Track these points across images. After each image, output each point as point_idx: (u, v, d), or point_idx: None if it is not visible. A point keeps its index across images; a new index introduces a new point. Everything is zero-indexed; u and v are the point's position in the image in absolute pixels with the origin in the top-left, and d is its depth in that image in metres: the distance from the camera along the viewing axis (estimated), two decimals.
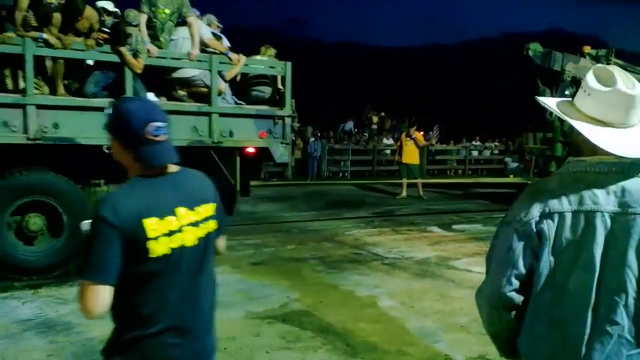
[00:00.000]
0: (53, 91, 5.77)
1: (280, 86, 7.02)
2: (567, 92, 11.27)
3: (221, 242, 2.07)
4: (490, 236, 1.75)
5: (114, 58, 5.82)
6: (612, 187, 1.50)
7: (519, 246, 1.54)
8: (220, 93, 6.51)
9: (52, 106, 5.59)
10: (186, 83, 6.48)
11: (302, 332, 4.41)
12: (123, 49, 5.77)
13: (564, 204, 1.51)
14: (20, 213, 5.62)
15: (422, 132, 24.44)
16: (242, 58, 6.64)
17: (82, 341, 4.11)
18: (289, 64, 6.88)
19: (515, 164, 21.74)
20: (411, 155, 13.23)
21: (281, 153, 6.85)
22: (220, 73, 6.55)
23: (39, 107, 5.50)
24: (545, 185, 1.58)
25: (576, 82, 11.20)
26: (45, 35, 5.48)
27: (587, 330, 1.48)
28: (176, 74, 6.46)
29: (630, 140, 1.50)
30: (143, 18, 6.18)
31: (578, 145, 1.60)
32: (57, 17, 5.59)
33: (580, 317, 1.48)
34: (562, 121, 11.30)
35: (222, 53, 6.55)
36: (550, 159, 11.77)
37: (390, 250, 7.54)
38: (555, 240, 1.50)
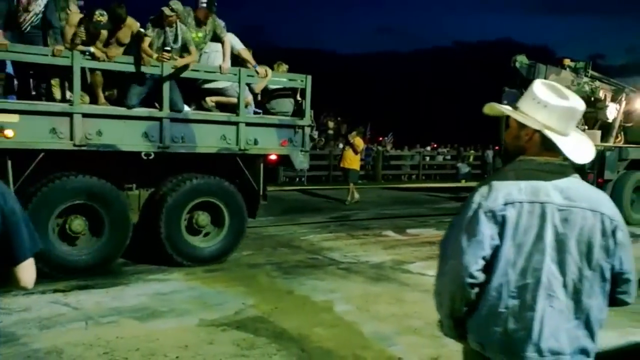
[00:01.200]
0: (93, 100, 6.13)
1: (299, 98, 7.40)
2: None
3: (23, 272, 1.61)
4: None
5: (155, 70, 6.21)
6: (558, 184, 1.74)
7: (486, 230, 1.71)
8: (247, 104, 6.91)
9: (96, 115, 5.97)
10: (217, 93, 6.90)
11: (256, 339, 4.36)
12: (179, 61, 6.28)
13: (523, 195, 1.72)
14: (64, 215, 5.98)
15: (381, 138, 24.80)
16: (269, 72, 7.04)
17: (27, 352, 3.94)
18: (309, 77, 7.22)
19: (466, 169, 22.28)
20: (348, 160, 13.40)
21: (301, 160, 7.29)
22: (249, 85, 6.98)
23: (85, 115, 5.88)
24: (504, 178, 1.77)
25: None
26: (92, 49, 5.91)
27: (540, 308, 1.70)
28: (208, 85, 6.88)
29: (577, 147, 1.76)
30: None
31: (524, 147, 1.81)
32: (104, 33, 6.10)
33: (535, 296, 1.70)
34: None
35: (251, 66, 7.01)
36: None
37: (345, 255, 7.57)
38: (516, 226, 1.71)
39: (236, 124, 6.70)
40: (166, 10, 6.14)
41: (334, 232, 9.37)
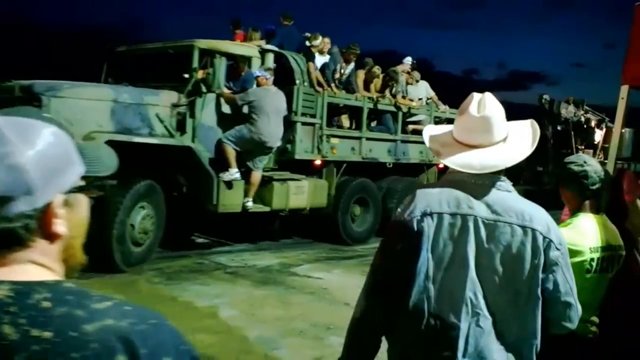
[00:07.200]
0: (357, 127, 9.27)
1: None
2: (558, 128, 16.05)
3: None
4: None
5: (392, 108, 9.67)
6: (485, 197, 1.64)
7: (400, 243, 1.64)
8: None
9: (370, 138, 9.23)
10: (418, 123, 9.82)
11: None
12: (404, 101, 9.80)
13: (443, 206, 1.62)
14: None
15: None
16: (442, 106, 10.57)
17: None
18: None
19: None
20: None
21: None
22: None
23: (367, 139, 9.14)
24: (428, 190, 1.71)
25: (565, 121, 16.05)
26: (374, 97, 9.23)
27: (463, 325, 1.57)
28: (413, 118, 9.99)
29: (479, 158, 1.65)
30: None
31: None
32: (377, 83, 9.63)
33: (455, 312, 1.58)
34: (551, 142, 16.14)
35: (436, 104, 10.50)
36: (543, 173, 15.85)
37: (233, 259, 7.46)
38: (434, 239, 1.61)
39: None
40: (408, 79, 10.18)
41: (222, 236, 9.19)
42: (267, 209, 7.92)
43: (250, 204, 7.61)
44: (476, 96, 1.69)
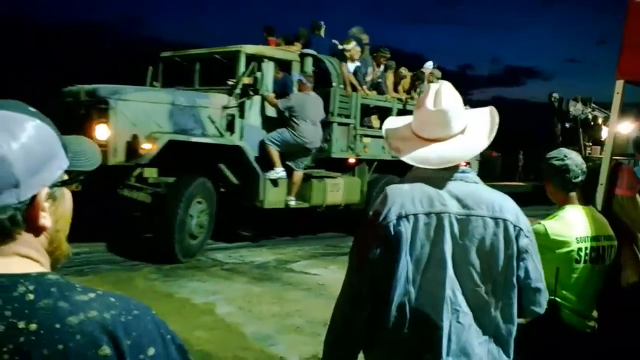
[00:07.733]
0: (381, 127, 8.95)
1: None
2: (567, 125, 16.14)
3: None
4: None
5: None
6: (455, 192, 1.62)
7: (378, 249, 1.59)
8: None
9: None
10: None
11: None
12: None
13: (417, 206, 1.59)
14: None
15: None
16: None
17: None
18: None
19: None
20: None
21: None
22: None
23: None
24: (399, 190, 1.65)
25: (574, 119, 15.97)
26: (403, 98, 9.71)
27: (445, 324, 1.56)
28: None
29: (438, 152, 1.63)
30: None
31: None
32: (404, 84, 9.96)
33: (437, 313, 1.56)
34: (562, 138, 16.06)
35: None
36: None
37: (230, 255, 7.46)
38: (412, 241, 1.58)
39: None
40: (430, 77, 9.74)
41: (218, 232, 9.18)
42: (306, 205, 8.41)
43: (292, 201, 8.13)
44: (433, 88, 1.66)
